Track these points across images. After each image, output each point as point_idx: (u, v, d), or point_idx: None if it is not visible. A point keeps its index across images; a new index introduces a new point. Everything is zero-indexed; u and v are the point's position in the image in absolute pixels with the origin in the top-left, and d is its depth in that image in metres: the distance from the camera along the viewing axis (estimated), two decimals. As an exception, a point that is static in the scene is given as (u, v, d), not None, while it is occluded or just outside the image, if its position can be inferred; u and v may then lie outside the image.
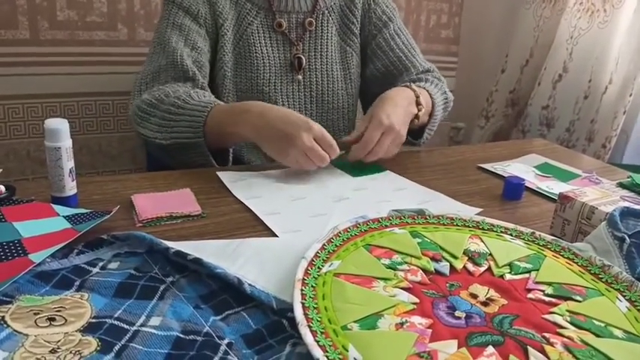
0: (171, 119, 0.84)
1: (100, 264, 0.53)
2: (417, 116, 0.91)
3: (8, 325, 0.42)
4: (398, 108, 0.86)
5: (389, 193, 0.79)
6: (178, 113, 0.83)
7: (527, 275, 0.54)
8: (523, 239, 0.61)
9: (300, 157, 0.77)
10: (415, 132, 0.97)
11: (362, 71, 1.10)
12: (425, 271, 0.53)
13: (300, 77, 1.01)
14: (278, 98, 1.00)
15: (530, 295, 0.50)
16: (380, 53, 1.07)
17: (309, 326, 0.42)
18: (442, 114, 1.02)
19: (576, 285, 0.52)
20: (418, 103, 0.90)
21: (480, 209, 0.74)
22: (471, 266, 0.55)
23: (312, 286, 0.48)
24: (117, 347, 0.41)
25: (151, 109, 0.86)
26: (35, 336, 0.41)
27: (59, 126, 0.64)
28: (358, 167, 0.86)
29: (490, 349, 0.42)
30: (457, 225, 0.63)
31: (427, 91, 0.95)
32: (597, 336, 0.45)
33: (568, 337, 0.44)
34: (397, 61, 1.06)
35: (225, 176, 0.79)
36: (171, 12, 0.94)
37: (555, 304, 0.49)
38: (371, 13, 1.06)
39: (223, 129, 0.82)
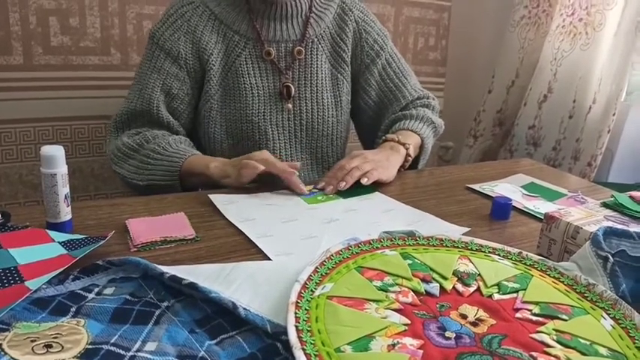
0: (149, 163, 0.89)
1: (96, 290, 0.54)
2: (407, 155, 0.98)
3: (6, 353, 0.42)
4: (379, 151, 0.95)
5: (378, 214, 0.80)
6: (157, 159, 0.89)
7: (515, 295, 0.55)
8: (510, 259, 0.63)
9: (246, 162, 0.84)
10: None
11: (355, 101, 1.12)
12: (415, 292, 0.54)
13: (289, 106, 1.02)
14: (267, 127, 1.01)
15: (518, 315, 0.52)
16: (373, 83, 1.10)
17: (303, 349, 0.43)
18: (433, 141, 1.07)
19: (562, 304, 0.54)
20: (401, 143, 0.98)
21: (468, 229, 0.76)
22: (460, 287, 0.56)
23: (305, 309, 0.49)
24: (114, 373, 0.42)
25: (131, 152, 0.91)
26: (32, 363, 0.42)
27: (55, 153, 0.65)
28: (348, 189, 0.87)
29: (479, 368, 0.43)
30: (446, 246, 0.65)
31: (411, 130, 1.01)
32: (583, 354, 0.46)
33: (555, 356, 0.46)
34: (389, 92, 1.10)
35: (217, 199, 0.80)
36: (153, 53, 0.97)
37: (542, 323, 0.50)
38: (363, 43, 1.07)
39: (195, 170, 0.88)
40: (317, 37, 1.04)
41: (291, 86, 1.02)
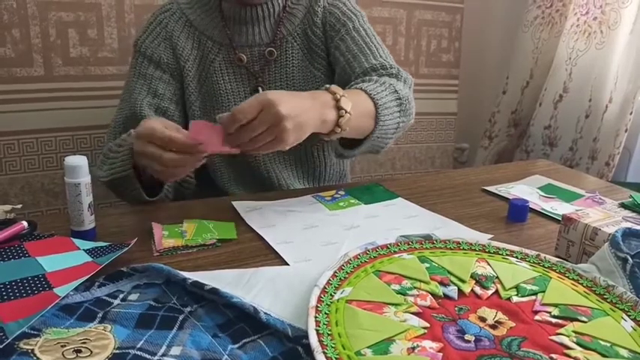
0: (112, 157, 0.84)
1: (121, 296, 0.55)
2: (338, 124, 0.77)
3: (38, 358, 0.44)
4: (299, 99, 0.73)
5: (400, 220, 0.80)
6: (117, 151, 0.83)
7: (533, 297, 0.55)
8: (528, 261, 0.63)
9: (149, 166, 0.76)
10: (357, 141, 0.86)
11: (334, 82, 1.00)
12: (434, 295, 0.55)
13: None
14: None
15: (537, 317, 0.52)
16: (338, 56, 0.99)
17: (324, 352, 0.44)
18: (398, 116, 0.89)
19: (582, 306, 0.54)
20: (339, 108, 0.77)
21: (491, 236, 0.75)
22: (478, 289, 0.56)
23: (325, 313, 0.50)
24: (141, 377, 0.43)
25: (108, 153, 0.86)
26: (63, 368, 0.43)
27: (79, 163, 0.67)
28: (369, 194, 0.88)
29: (499, 371, 0.43)
30: (464, 249, 0.65)
31: (364, 90, 0.84)
32: (603, 356, 0.46)
33: (575, 358, 0.46)
34: (349, 63, 0.97)
35: (240, 206, 0.82)
36: (137, 61, 0.99)
37: (562, 325, 0.50)
38: (331, 19, 1.00)
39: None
40: (290, 36, 1.00)
41: (260, 89, 0.98)
